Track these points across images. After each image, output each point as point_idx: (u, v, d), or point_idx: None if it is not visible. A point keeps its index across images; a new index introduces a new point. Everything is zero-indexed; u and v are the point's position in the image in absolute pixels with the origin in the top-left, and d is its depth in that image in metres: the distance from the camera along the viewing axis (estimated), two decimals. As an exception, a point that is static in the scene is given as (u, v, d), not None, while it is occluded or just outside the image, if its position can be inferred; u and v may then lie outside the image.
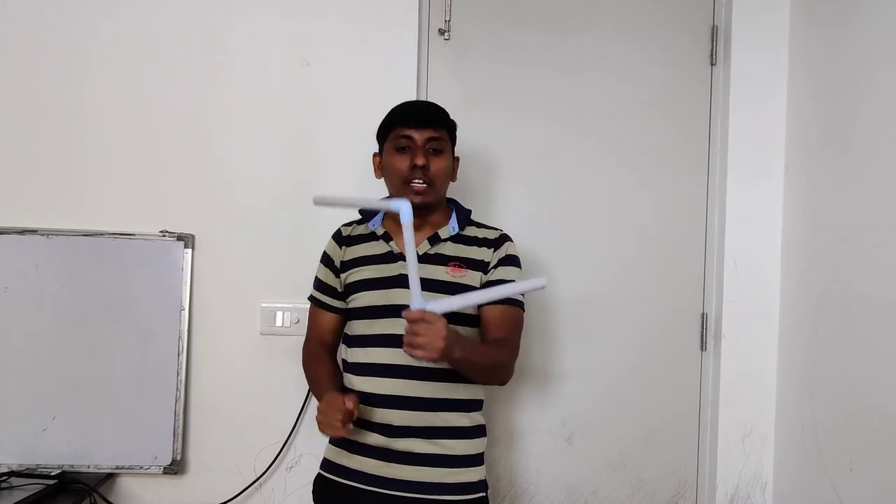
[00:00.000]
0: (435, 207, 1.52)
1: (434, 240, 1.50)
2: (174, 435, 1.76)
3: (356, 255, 1.53)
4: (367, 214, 1.58)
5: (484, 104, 1.91)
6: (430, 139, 1.46)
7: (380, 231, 1.54)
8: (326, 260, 1.59)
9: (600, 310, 1.93)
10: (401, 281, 1.45)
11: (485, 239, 1.53)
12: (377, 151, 1.56)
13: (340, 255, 1.56)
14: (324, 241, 1.61)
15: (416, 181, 1.45)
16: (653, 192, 1.96)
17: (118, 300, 1.75)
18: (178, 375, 1.77)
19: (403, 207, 1.20)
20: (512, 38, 1.92)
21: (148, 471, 1.76)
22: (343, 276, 1.54)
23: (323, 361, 1.57)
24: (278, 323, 1.81)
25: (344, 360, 1.54)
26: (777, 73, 1.92)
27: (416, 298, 1.22)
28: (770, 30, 1.92)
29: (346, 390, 1.51)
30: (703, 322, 1.97)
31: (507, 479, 1.90)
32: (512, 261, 1.52)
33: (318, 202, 1.41)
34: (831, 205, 1.71)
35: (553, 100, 1.93)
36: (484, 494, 1.48)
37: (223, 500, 1.77)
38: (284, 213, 1.83)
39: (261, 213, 1.82)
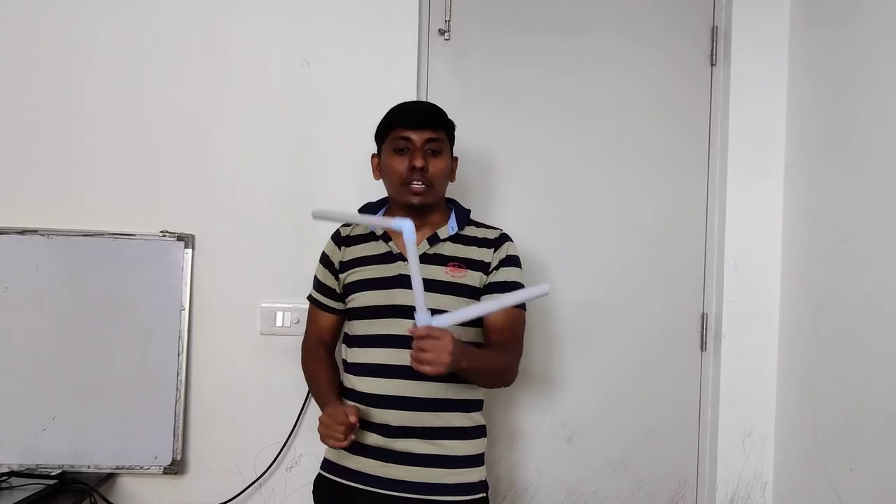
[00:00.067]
0: (434, 208, 1.52)
1: (433, 240, 1.50)
2: (174, 435, 1.76)
3: (355, 256, 1.53)
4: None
5: (484, 105, 1.91)
6: (429, 140, 1.46)
7: (379, 231, 1.53)
8: (325, 260, 1.59)
9: (600, 310, 1.93)
10: (400, 281, 1.45)
11: (484, 239, 1.53)
12: (375, 153, 1.56)
13: (339, 255, 1.56)
14: (324, 241, 1.61)
15: (415, 182, 1.45)
16: (653, 193, 1.96)
17: (118, 300, 1.75)
18: (178, 375, 1.77)
19: (406, 227, 1.20)
20: (512, 38, 1.92)
21: (148, 471, 1.76)
22: (342, 276, 1.54)
23: (322, 362, 1.58)
24: (278, 323, 1.81)
25: (344, 361, 1.54)
26: (777, 73, 1.92)
27: (421, 314, 1.24)
28: (770, 30, 1.92)
29: (346, 391, 1.51)
30: (703, 322, 1.97)
31: (508, 480, 1.90)
32: (512, 261, 1.52)
33: (317, 216, 1.41)
34: (831, 205, 1.71)
35: (553, 100, 1.93)
36: (484, 495, 1.48)
37: (223, 500, 1.77)
38: (284, 213, 1.82)
39: (261, 213, 1.82)
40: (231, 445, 1.80)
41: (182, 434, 1.77)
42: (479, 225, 1.57)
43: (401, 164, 1.46)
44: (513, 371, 1.50)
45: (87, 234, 1.76)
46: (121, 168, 1.80)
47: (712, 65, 1.98)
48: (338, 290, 1.57)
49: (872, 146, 1.57)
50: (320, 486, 1.52)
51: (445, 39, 1.90)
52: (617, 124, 1.95)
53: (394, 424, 1.43)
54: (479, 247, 1.51)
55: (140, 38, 1.81)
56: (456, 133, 1.56)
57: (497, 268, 1.50)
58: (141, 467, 1.76)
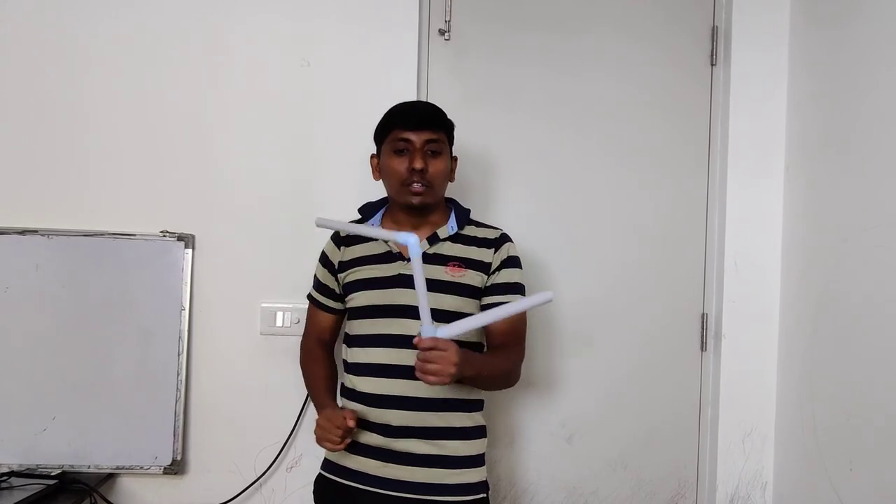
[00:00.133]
0: (434, 208, 1.52)
1: (433, 239, 1.50)
2: (174, 435, 1.76)
3: (355, 256, 1.53)
4: (366, 214, 1.58)
5: (484, 105, 1.91)
6: (429, 141, 1.46)
7: (379, 231, 1.54)
8: (324, 260, 1.59)
9: (600, 310, 1.93)
10: (400, 280, 1.45)
11: (485, 239, 1.53)
12: (375, 153, 1.56)
13: (339, 255, 1.56)
14: (324, 241, 1.61)
15: (415, 184, 1.45)
16: (653, 193, 1.96)
17: (118, 300, 1.75)
18: (178, 375, 1.77)
19: (411, 241, 1.21)
20: (512, 38, 1.92)
21: (148, 471, 1.76)
22: (341, 276, 1.54)
23: (320, 362, 1.59)
24: (278, 323, 1.81)
25: (344, 361, 1.54)
26: (777, 73, 1.92)
27: (427, 326, 1.25)
28: (770, 30, 1.92)
29: (346, 391, 1.51)
30: (703, 322, 1.97)
31: (508, 480, 1.90)
32: (513, 262, 1.53)
33: (321, 225, 1.42)
34: (831, 205, 1.71)
35: (553, 100, 1.93)
36: (485, 495, 1.48)
37: (223, 500, 1.77)
38: (284, 213, 1.82)
39: (261, 213, 1.82)
40: (231, 445, 1.80)
41: (182, 434, 1.77)
42: (478, 225, 1.57)
43: (400, 166, 1.46)
44: (516, 374, 1.52)
45: (87, 234, 1.76)
46: (121, 168, 1.80)
47: (712, 65, 1.98)
48: (337, 290, 1.57)
49: (872, 146, 1.57)
50: (320, 486, 1.52)
51: (445, 39, 1.90)
52: (617, 124, 1.95)
53: (394, 424, 1.43)
54: (479, 247, 1.51)
55: (140, 38, 1.81)
56: (456, 133, 1.56)
57: (498, 269, 1.50)
58: (141, 467, 1.76)
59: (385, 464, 1.43)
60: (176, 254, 1.78)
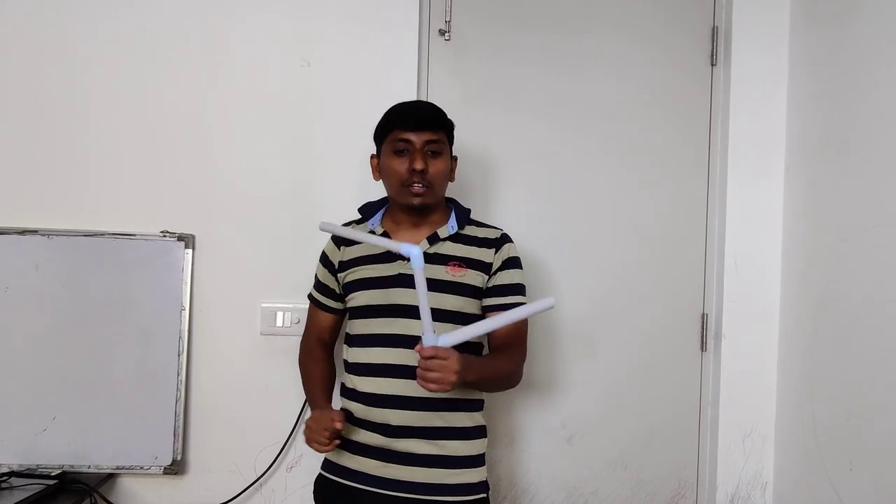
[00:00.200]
0: (434, 207, 1.52)
1: (433, 239, 1.50)
2: (174, 435, 1.76)
3: (355, 255, 1.53)
4: (366, 214, 1.58)
5: (484, 105, 1.91)
6: (429, 142, 1.46)
7: (379, 230, 1.54)
8: (325, 260, 1.59)
9: (600, 310, 1.93)
10: (400, 280, 1.45)
11: (485, 239, 1.53)
12: (375, 153, 1.56)
13: (339, 255, 1.56)
14: (324, 241, 1.61)
15: (415, 184, 1.45)
16: (653, 193, 1.96)
17: (118, 300, 1.75)
18: (178, 375, 1.77)
19: (414, 252, 1.22)
20: (512, 38, 1.92)
21: (148, 471, 1.76)
22: (341, 275, 1.54)
23: (317, 361, 1.60)
24: (279, 323, 1.81)
25: (345, 361, 1.54)
26: (777, 74, 1.92)
27: (428, 335, 1.26)
28: (770, 30, 1.92)
29: (347, 391, 1.51)
30: (703, 322, 1.97)
31: (508, 480, 1.90)
32: (514, 263, 1.53)
33: (324, 229, 1.43)
34: (831, 205, 1.71)
35: (553, 100, 1.93)
36: (485, 495, 1.48)
37: (223, 501, 1.77)
38: (284, 213, 1.82)
39: (261, 213, 1.82)
40: (231, 445, 1.80)
41: (182, 434, 1.77)
42: (479, 224, 1.57)
43: (401, 166, 1.46)
44: (517, 375, 1.52)
45: (87, 235, 1.76)
46: (121, 168, 1.80)
47: (712, 65, 1.98)
48: (337, 290, 1.57)
49: (872, 146, 1.57)
50: (321, 486, 1.52)
51: (446, 40, 1.90)
52: (617, 124, 1.95)
53: (394, 424, 1.43)
54: (480, 246, 1.51)
55: (140, 38, 1.81)
56: (456, 133, 1.56)
57: (499, 270, 1.50)
58: (141, 467, 1.76)
59: (385, 464, 1.43)
60: (176, 254, 1.78)
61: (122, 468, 1.75)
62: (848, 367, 1.61)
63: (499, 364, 1.48)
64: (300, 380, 1.63)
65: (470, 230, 1.54)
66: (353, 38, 1.85)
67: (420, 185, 1.45)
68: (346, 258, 1.54)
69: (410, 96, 1.81)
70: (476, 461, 1.48)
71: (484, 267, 1.49)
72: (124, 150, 1.80)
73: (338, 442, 1.39)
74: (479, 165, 1.90)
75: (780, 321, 1.90)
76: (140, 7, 1.81)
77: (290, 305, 1.80)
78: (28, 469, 1.70)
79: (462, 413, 1.47)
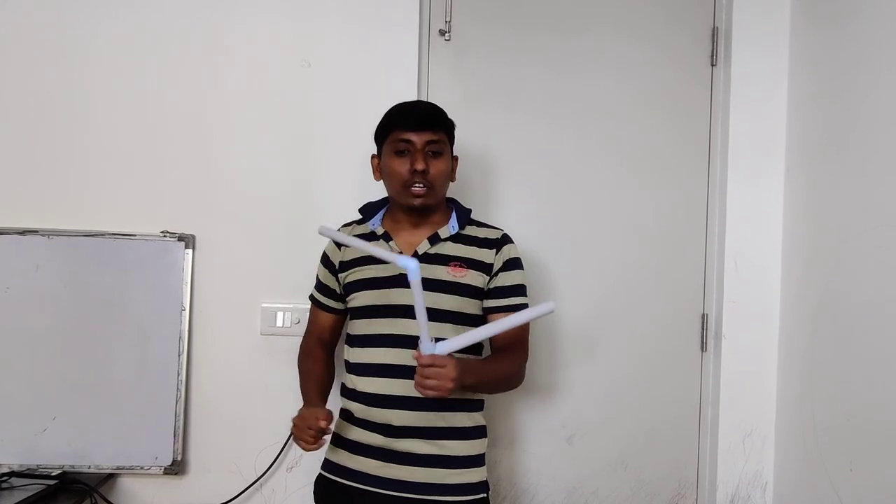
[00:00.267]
0: (435, 208, 1.52)
1: (434, 239, 1.50)
2: (175, 435, 1.76)
3: (356, 256, 1.53)
4: (366, 215, 1.58)
5: (484, 105, 1.91)
6: (430, 142, 1.46)
7: (380, 231, 1.54)
8: (325, 260, 1.60)
9: (600, 310, 1.93)
10: (400, 280, 1.44)
11: (486, 239, 1.53)
12: (375, 153, 1.56)
13: (339, 255, 1.56)
14: (324, 241, 1.61)
15: (416, 185, 1.45)
16: (653, 193, 1.96)
17: (119, 300, 1.75)
18: (178, 376, 1.77)
19: (411, 266, 1.21)
20: (512, 38, 1.92)
21: (148, 471, 1.76)
22: (342, 276, 1.54)
23: (315, 360, 1.59)
24: (279, 323, 1.81)
25: (346, 361, 1.54)
26: (777, 74, 1.92)
27: (425, 343, 1.27)
28: (770, 30, 1.92)
29: (348, 391, 1.51)
30: (703, 322, 1.97)
31: (508, 480, 1.90)
32: (515, 264, 1.53)
33: (323, 234, 1.43)
34: (831, 205, 1.71)
35: (553, 100, 1.93)
36: (485, 495, 1.48)
37: (224, 501, 1.77)
38: (284, 213, 1.83)
39: (261, 213, 1.82)
40: (231, 445, 1.80)
41: (182, 434, 1.77)
42: (480, 224, 1.57)
43: (402, 167, 1.46)
44: (519, 376, 1.52)
45: (87, 235, 1.76)
46: (121, 168, 1.80)
47: (713, 65, 1.98)
48: (338, 290, 1.57)
49: (872, 146, 1.57)
50: (321, 486, 1.52)
51: (446, 40, 1.90)
52: (617, 124, 1.95)
53: (395, 424, 1.43)
54: (481, 247, 1.51)
55: (140, 38, 1.81)
56: (456, 133, 1.56)
57: (500, 271, 1.50)
58: (141, 467, 1.76)
59: (385, 464, 1.43)
60: (176, 254, 1.78)
61: (123, 468, 1.75)
62: (848, 367, 1.61)
63: (498, 367, 1.48)
64: (299, 379, 1.63)
65: (471, 230, 1.54)
66: (353, 38, 1.85)
67: (421, 186, 1.45)
68: (346, 258, 1.54)
69: (410, 96, 1.81)
70: (476, 461, 1.48)
71: (485, 267, 1.49)
72: (124, 149, 1.80)
73: (325, 441, 1.37)
74: (479, 165, 1.90)
75: (780, 321, 1.90)
76: (140, 7, 1.81)
77: (291, 305, 1.80)
78: (28, 469, 1.70)
79: (462, 413, 1.47)
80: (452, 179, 1.56)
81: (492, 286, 1.50)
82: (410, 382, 1.38)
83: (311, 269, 1.63)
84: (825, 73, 1.76)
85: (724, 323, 1.91)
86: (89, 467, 1.74)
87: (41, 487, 1.59)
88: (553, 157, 1.94)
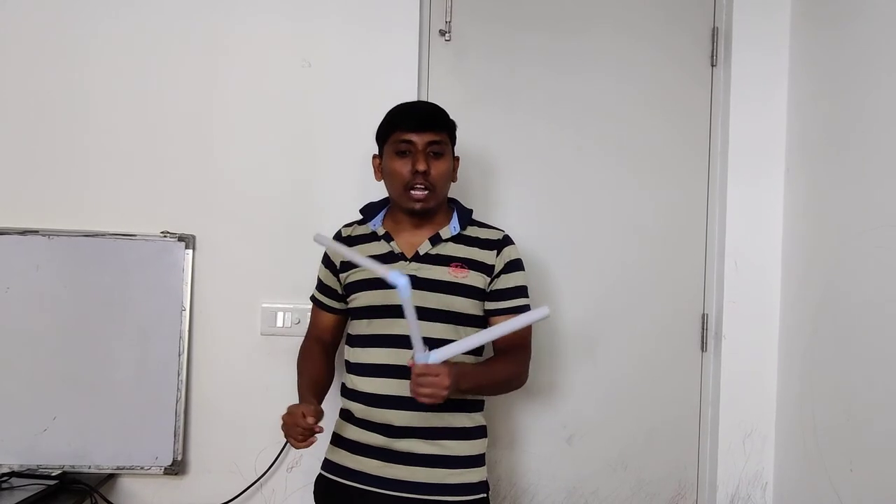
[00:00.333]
0: (436, 209, 1.52)
1: (435, 240, 1.50)
2: (175, 435, 1.76)
3: (356, 256, 1.53)
4: (367, 215, 1.58)
5: (484, 105, 1.91)
6: (431, 143, 1.46)
7: (381, 231, 1.53)
8: (326, 261, 1.60)
9: (600, 311, 1.93)
10: (401, 281, 1.45)
11: (487, 240, 1.53)
12: (377, 153, 1.55)
13: (340, 255, 1.56)
14: (324, 242, 1.61)
15: (418, 186, 1.45)
16: (653, 193, 1.96)
17: (119, 300, 1.75)
18: (178, 376, 1.77)
19: (400, 283, 1.21)
20: (512, 39, 1.92)
21: (149, 471, 1.76)
22: (343, 276, 1.54)
23: (313, 359, 1.58)
24: (279, 323, 1.81)
25: (347, 361, 1.54)
26: (777, 74, 1.92)
27: (419, 353, 1.28)
28: (770, 31, 1.92)
29: (348, 391, 1.51)
30: (703, 323, 1.97)
31: (508, 480, 1.90)
32: (516, 266, 1.52)
33: (318, 241, 1.43)
34: (831, 205, 1.71)
35: (553, 101, 1.93)
36: (485, 495, 1.48)
37: (224, 501, 1.77)
38: (285, 213, 1.83)
39: (261, 213, 1.82)
40: (232, 445, 1.80)
41: (183, 434, 1.77)
42: (481, 225, 1.57)
43: (403, 167, 1.46)
44: (520, 378, 1.52)
45: (87, 235, 1.76)
46: (121, 168, 1.80)
47: (713, 65, 1.98)
48: (339, 291, 1.57)
49: (872, 146, 1.57)
50: (321, 486, 1.52)
51: (446, 40, 1.90)
52: (617, 125, 1.95)
53: (396, 424, 1.43)
54: (482, 248, 1.51)
55: (140, 38, 1.81)
56: (456, 133, 1.56)
57: (501, 273, 1.50)
58: (141, 467, 1.76)
59: (385, 464, 1.43)
60: (176, 254, 1.78)
61: (123, 468, 1.75)
62: (848, 367, 1.61)
63: (497, 369, 1.48)
64: (299, 379, 1.62)
65: (472, 231, 1.54)
66: (353, 38, 1.85)
67: (422, 187, 1.45)
68: (347, 259, 1.54)
69: (411, 97, 1.81)
70: (476, 461, 1.48)
71: (486, 269, 1.49)
72: (124, 149, 1.80)
73: (314, 440, 1.35)
74: (479, 166, 1.90)
75: (780, 321, 1.90)
76: (140, 7, 1.81)
77: (291, 306, 1.80)
78: (28, 469, 1.70)
79: (462, 413, 1.47)
80: (454, 180, 1.56)
81: (493, 288, 1.50)
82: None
83: (312, 270, 1.63)
84: (825, 73, 1.77)
85: (724, 323, 1.91)
86: (89, 467, 1.74)
87: (41, 487, 1.59)
88: (553, 157, 1.94)
